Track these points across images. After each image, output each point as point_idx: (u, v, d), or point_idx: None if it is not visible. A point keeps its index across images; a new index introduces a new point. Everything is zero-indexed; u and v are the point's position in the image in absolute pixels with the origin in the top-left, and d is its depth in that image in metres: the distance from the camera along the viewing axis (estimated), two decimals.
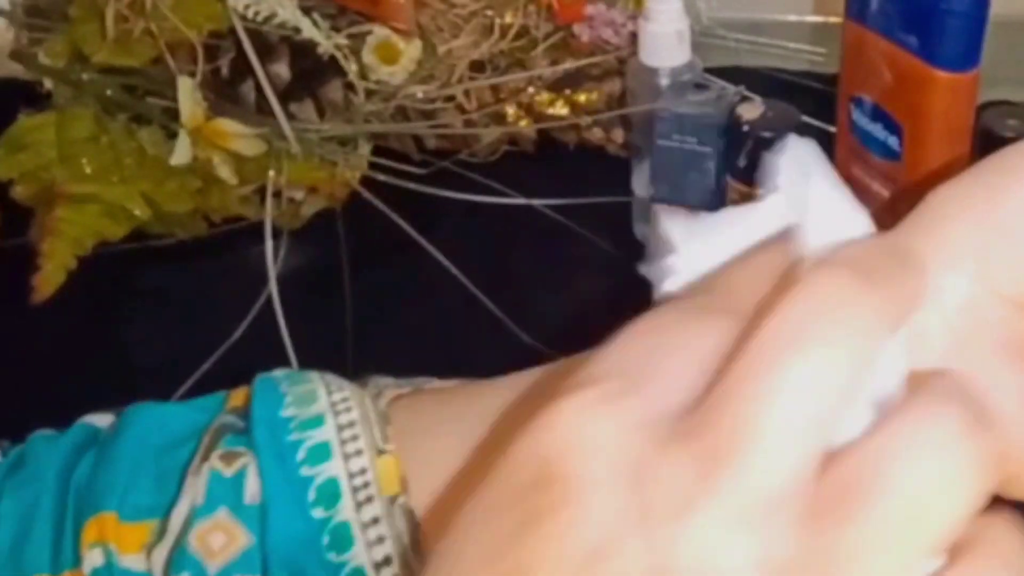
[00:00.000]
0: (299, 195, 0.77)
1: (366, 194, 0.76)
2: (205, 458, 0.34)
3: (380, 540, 0.33)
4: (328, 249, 0.75)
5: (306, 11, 0.74)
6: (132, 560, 0.34)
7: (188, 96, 0.71)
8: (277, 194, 0.75)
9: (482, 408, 0.34)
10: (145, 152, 0.74)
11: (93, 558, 0.34)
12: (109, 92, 0.75)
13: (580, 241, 0.74)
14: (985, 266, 0.27)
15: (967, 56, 0.56)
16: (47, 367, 0.69)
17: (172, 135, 0.73)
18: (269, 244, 0.73)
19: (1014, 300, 0.27)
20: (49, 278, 0.69)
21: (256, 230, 0.74)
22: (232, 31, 0.74)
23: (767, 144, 0.58)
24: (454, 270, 0.71)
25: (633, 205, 0.75)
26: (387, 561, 0.33)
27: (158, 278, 0.76)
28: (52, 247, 0.70)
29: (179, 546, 0.33)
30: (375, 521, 0.33)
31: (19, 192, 0.74)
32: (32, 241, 0.71)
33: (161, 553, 0.33)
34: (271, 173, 0.75)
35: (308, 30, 0.74)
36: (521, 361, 0.36)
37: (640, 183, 0.73)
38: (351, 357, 0.66)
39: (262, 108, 0.75)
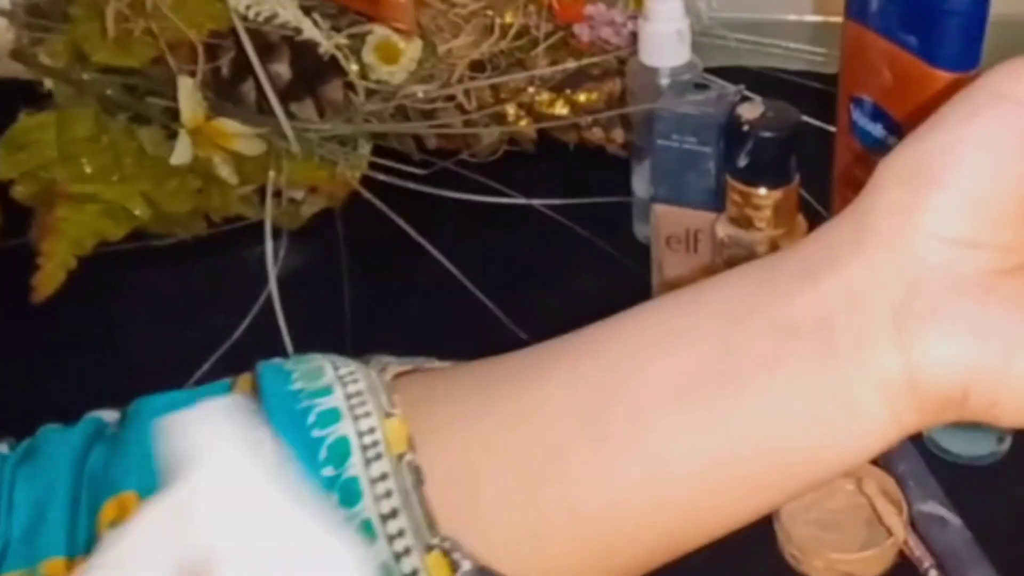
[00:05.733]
0: (299, 195, 0.77)
1: (366, 194, 0.76)
2: None
3: (388, 494, 0.33)
4: (328, 249, 0.75)
5: (307, 11, 0.74)
6: None
7: (188, 96, 0.71)
8: (277, 194, 0.75)
9: (489, 378, 0.36)
10: (145, 152, 0.74)
11: None
12: (109, 92, 0.75)
13: (580, 241, 0.74)
14: (920, 219, 0.29)
15: (967, 56, 0.56)
16: (47, 367, 0.69)
17: (172, 135, 0.73)
18: (269, 244, 0.73)
19: (956, 240, 0.29)
20: (49, 278, 0.69)
21: (256, 230, 0.74)
22: (233, 31, 0.74)
23: (767, 144, 0.58)
24: (454, 270, 0.71)
25: (633, 205, 0.74)
26: (394, 514, 0.33)
27: (158, 278, 0.76)
28: (52, 247, 0.70)
29: None
30: (383, 477, 0.33)
31: (19, 192, 0.74)
32: (32, 241, 0.72)
33: None
34: (271, 173, 0.75)
35: (309, 30, 0.74)
36: None
37: (640, 183, 0.73)
38: (351, 356, 0.66)
39: (262, 108, 0.75)
